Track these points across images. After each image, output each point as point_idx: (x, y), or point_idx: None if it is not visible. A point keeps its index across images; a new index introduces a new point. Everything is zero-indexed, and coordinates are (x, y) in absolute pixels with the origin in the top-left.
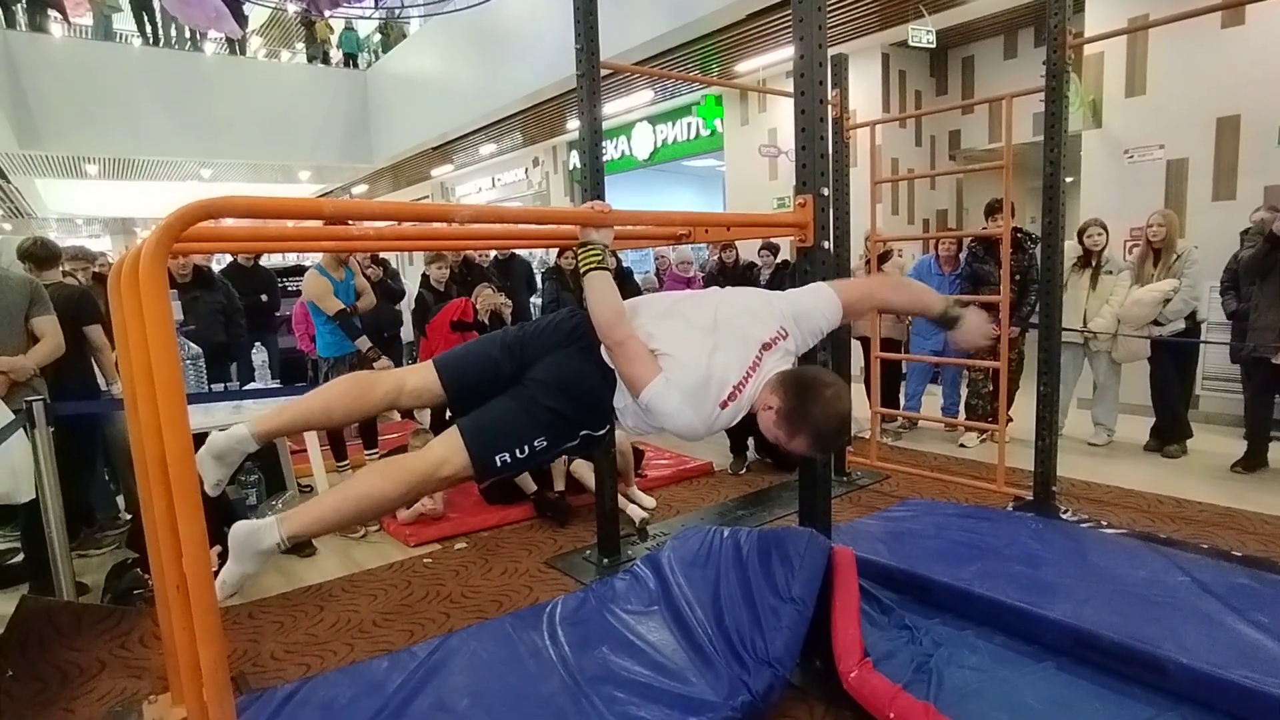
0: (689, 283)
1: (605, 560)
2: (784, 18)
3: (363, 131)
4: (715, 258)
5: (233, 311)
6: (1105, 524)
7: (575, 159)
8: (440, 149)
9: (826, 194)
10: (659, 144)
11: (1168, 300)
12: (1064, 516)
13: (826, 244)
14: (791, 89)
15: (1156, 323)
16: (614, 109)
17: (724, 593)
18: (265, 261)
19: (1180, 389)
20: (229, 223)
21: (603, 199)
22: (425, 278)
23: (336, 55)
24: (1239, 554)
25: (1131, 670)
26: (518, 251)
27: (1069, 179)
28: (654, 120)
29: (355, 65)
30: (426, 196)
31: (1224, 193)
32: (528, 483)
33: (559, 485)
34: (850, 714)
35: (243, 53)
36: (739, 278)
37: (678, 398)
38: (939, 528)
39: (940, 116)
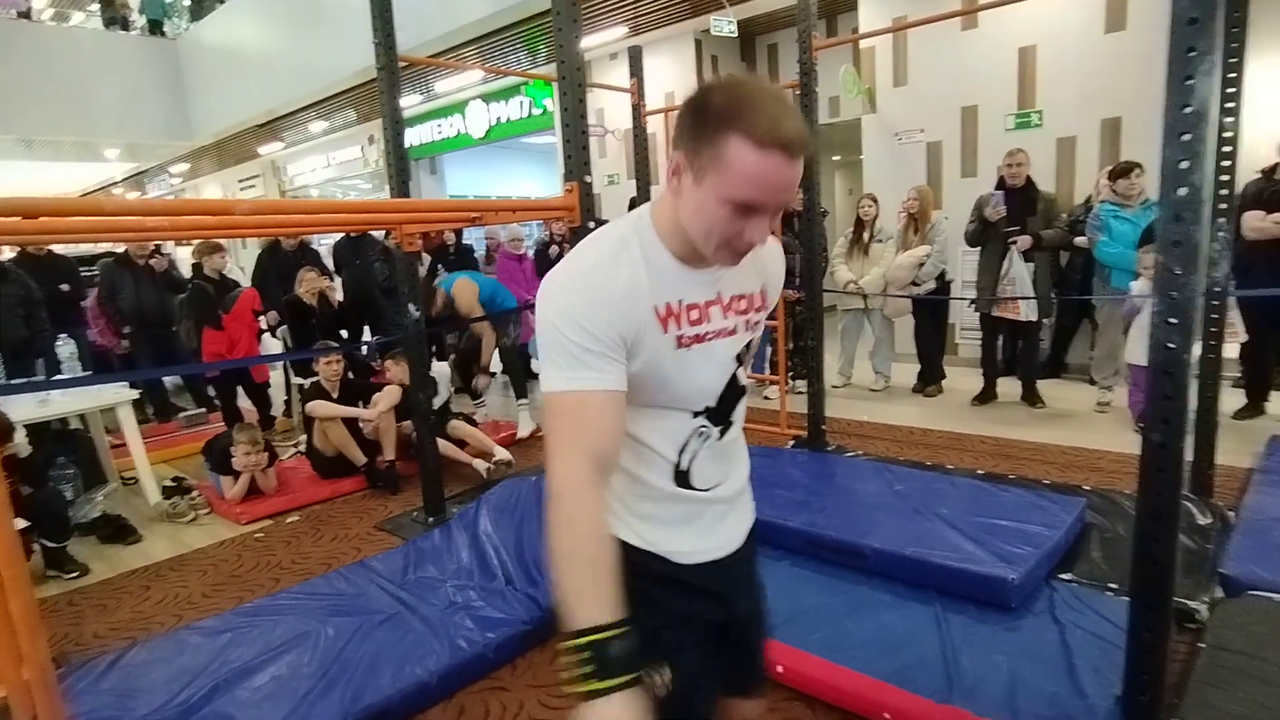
0: (520, 259)
1: (431, 519)
2: None
3: (178, 106)
4: (546, 234)
5: (33, 304)
6: (861, 453)
7: (411, 137)
8: (268, 125)
9: (589, 180)
10: (494, 122)
11: (922, 264)
12: (829, 450)
13: (591, 224)
14: (613, 72)
15: (914, 283)
16: (446, 87)
17: (526, 532)
18: (68, 251)
19: (937, 339)
20: None
21: (407, 186)
22: (198, 268)
23: (141, 21)
24: (948, 467)
25: (843, 558)
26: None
27: (858, 157)
28: (487, 98)
29: (161, 33)
30: (257, 175)
31: (969, 171)
32: (357, 455)
33: (389, 454)
34: None
35: (28, 17)
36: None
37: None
38: None
39: None
